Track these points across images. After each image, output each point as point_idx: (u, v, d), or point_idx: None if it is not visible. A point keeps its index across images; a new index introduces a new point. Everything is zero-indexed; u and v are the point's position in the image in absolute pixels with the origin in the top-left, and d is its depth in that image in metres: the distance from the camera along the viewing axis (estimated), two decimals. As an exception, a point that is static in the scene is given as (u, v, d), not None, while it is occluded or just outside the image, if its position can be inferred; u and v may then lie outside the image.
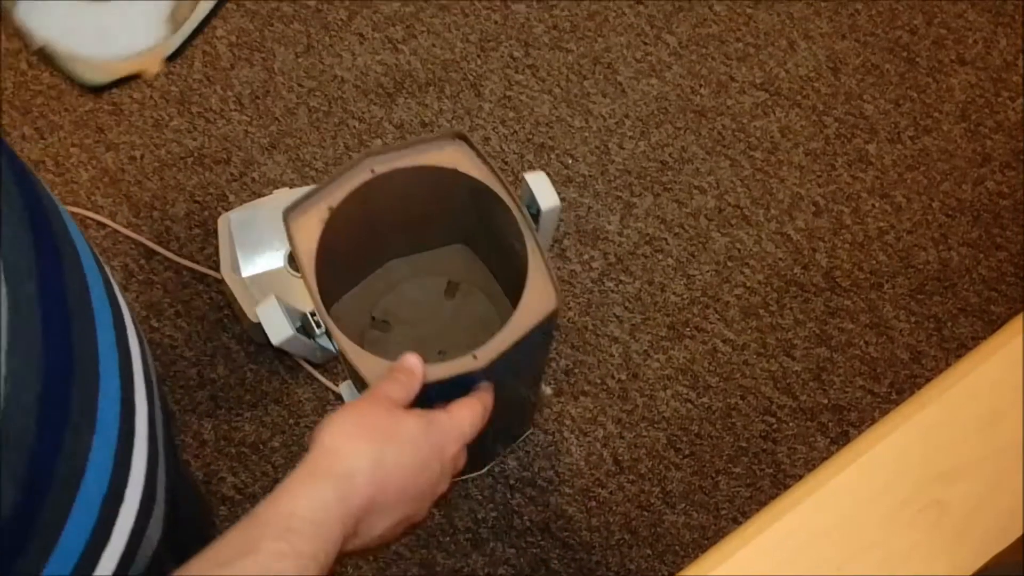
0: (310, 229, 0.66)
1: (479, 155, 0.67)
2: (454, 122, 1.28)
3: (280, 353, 1.12)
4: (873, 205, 1.25)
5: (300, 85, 1.30)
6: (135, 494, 0.42)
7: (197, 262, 1.18)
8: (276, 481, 0.58)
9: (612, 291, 1.18)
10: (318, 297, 0.64)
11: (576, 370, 1.14)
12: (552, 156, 1.27)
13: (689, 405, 1.12)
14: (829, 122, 1.31)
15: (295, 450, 1.08)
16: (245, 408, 1.10)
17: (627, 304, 1.18)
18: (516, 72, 1.33)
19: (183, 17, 0.46)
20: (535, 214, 0.72)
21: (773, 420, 1.12)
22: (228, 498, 1.06)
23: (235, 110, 1.29)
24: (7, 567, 0.33)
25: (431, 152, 0.68)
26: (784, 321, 1.17)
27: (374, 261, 0.85)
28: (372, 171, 0.67)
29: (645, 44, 1.35)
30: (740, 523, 0.50)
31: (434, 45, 1.34)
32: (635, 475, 1.08)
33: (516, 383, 0.79)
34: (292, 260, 1.06)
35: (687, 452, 1.10)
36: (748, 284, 1.19)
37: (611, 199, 1.24)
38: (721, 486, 1.08)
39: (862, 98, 1.33)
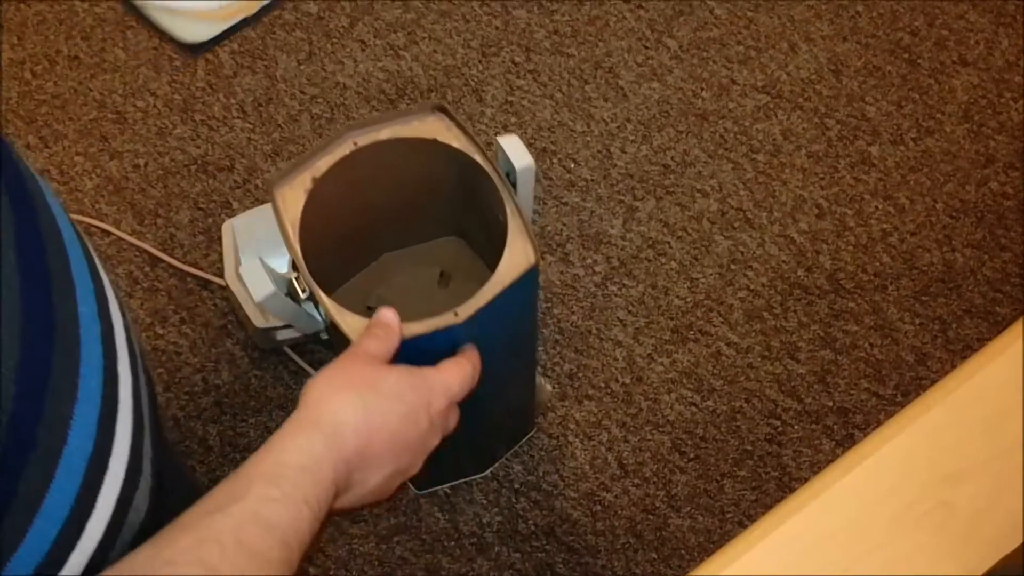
0: (294, 199, 0.69)
1: (458, 126, 0.69)
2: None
3: (284, 358, 1.12)
4: (876, 207, 1.25)
5: (302, 92, 1.30)
6: (120, 463, 0.43)
7: (201, 269, 1.18)
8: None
9: (615, 295, 1.18)
10: (302, 262, 0.66)
11: (580, 374, 1.14)
12: (554, 160, 1.27)
13: (693, 408, 1.12)
14: (831, 124, 1.31)
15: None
16: (250, 414, 1.10)
17: (630, 308, 1.18)
18: (517, 77, 1.33)
19: None
20: (512, 179, 0.74)
21: (778, 423, 1.12)
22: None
23: (238, 118, 1.29)
24: None
25: (412, 124, 0.70)
26: (788, 324, 1.17)
27: (368, 254, 0.86)
28: (355, 143, 0.69)
29: (646, 48, 1.36)
30: (746, 526, 0.50)
31: (435, 51, 1.34)
32: (640, 479, 1.08)
33: (506, 355, 0.79)
34: (291, 289, 1.06)
35: (692, 455, 1.10)
36: (752, 287, 1.19)
37: (613, 203, 1.24)
38: (726, 489, 1.08)
39: (864, 100, 1.33)
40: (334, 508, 0.47)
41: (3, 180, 0.38)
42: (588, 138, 1.29)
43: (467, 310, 0.64)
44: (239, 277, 1.09)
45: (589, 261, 1.20)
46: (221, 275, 1.12)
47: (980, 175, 1.28)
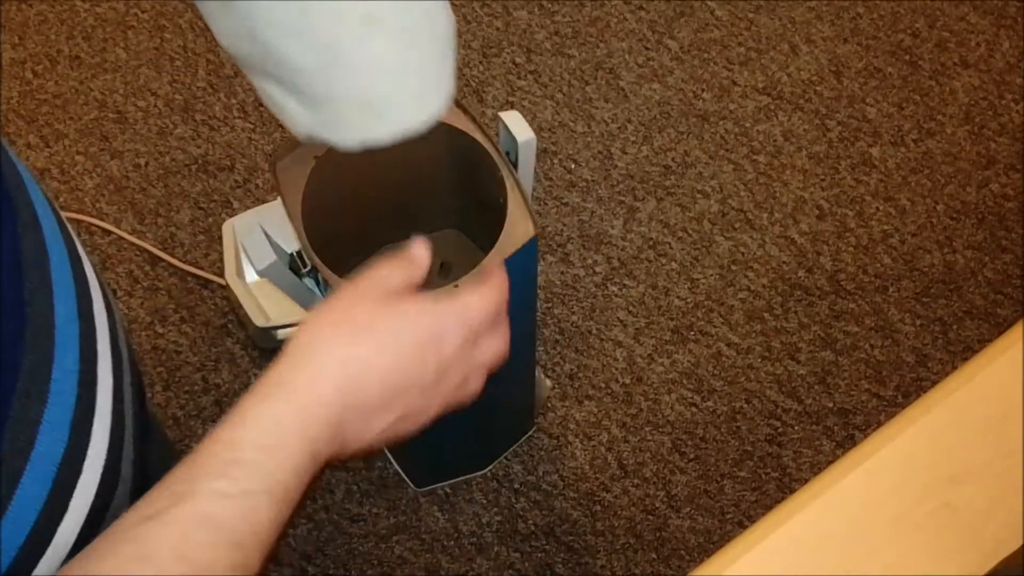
0: (296, 177, 0.68)
1: (458, 105, 0.70)
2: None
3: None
4: (877, 208, 1.25)
5: (303, 91, 1.30)
6: (95, 467, 0.41)
7: (202, 268, 1.18)
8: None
9: (616, 295, 1.18)
10: (305, 238, 0.66)
11: (580, 374, 1.14)
12: (555, 161, 1.27)
13: (694, 409, 1.12)
14: (832, 126, 1.31)
15: (300, 456, 1.08)
16: (250, 414, 1.10)
17: (631, 308, 1.18)
18: (518, 78, 1.33)
19: None
20: (514, 156, 0.74)
21: (778, 424, 1.12)
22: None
23: (239, 117, 1.29)
24: None
25: None
26: (789, 325, 1.17)
27: (369, 247, 0.87)
28: None
29: (647, 49, 1.36)
30: (746, 527, 0.50)
31: (437, 51, 1.34)
32: (640, 479, 1.08)
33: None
34: (293, 263, 1.07)
35: (692, 456, 1.10)
36: (752, 288, 1.19)
37: (614, 204, 1.24)
38: (726, 490, 1.08)
39: (865, 101, 1.33)
40: (336, 458, 0.42)
41: None
42: (589, 139, 1.29)
43: (468, 282, 0.64)
44: (240, 276, 1.09)
45: (590, 261, 1.20)
46: (221, 274, 1.12)
47: (981, 177, 1.28)
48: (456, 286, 0.64)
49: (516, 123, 0.75)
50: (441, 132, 0.72)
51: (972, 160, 1.29)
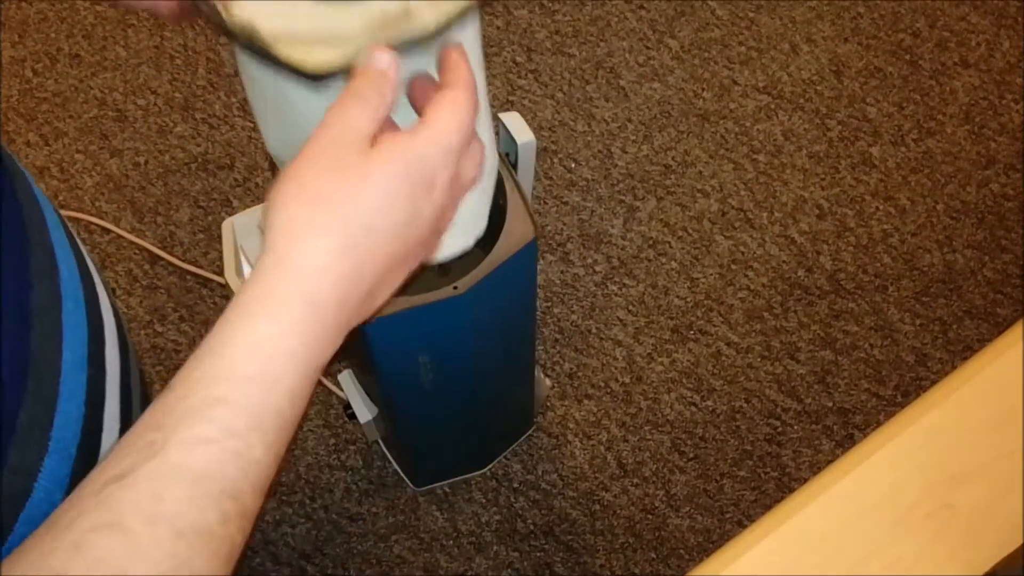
0: None
1: None
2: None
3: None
4: (877, 208, 1.25)
5: (303, 90, 1.30)
6: None
7: (201, 267, 1.18)
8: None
9: (615, 294, 1.18)
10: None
11: (580, 373, 1.13)
12: (555, 160, 1.27)
13: (693, 408, 1.12)
14: (832, 125, 1.31)
15: (298, 454, 1.08)
16: (249, 413, 1.10)
17: (630, 307, 1.18)
18: (519, 77, 1.33)
19: None
20: (513, 158, 0.75)
21: (778, 423, 1.12)
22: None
23: (239, 116, 1.29)
24: None
25: None
26: (788, 324, 1.17)
27: None
28: None
29: (647, 48, 1.36)
30: (745, 526, 0.50)
31: (437, 50, 1.34)
32: (639, 478, 1.08)
33: (506, 333, 0.79)
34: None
35: (691, 455, 1.10)
36: (752, 287, 1.19)
37: (614, 203, 1.24)
38: (726, 489, 1.08)
39: (865, 101, 1.33)
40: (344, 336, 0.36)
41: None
42: (589, 138, 1.29)
43: (467, 283, 0.64)
44: (239, 275, 1.09)
45: (589, 260, 1.20)
46: (221, 273, 1.12)
47: (981, 176, 1.28)
48: (455, 287, 0.64)
49: (516, 125, 0.75)
50: None
51: (972, 160, 1.29)
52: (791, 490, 0.52)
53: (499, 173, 0.70)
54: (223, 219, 1.16)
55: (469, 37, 0.44)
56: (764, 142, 1.29)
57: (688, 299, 1.18)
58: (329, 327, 0.34)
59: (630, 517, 1.06)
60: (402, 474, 1.07)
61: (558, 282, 1.19)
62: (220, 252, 1.14)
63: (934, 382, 0.54)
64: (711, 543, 1.06)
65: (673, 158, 1.27)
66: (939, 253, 1.22)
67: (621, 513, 1.06)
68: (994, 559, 0.48)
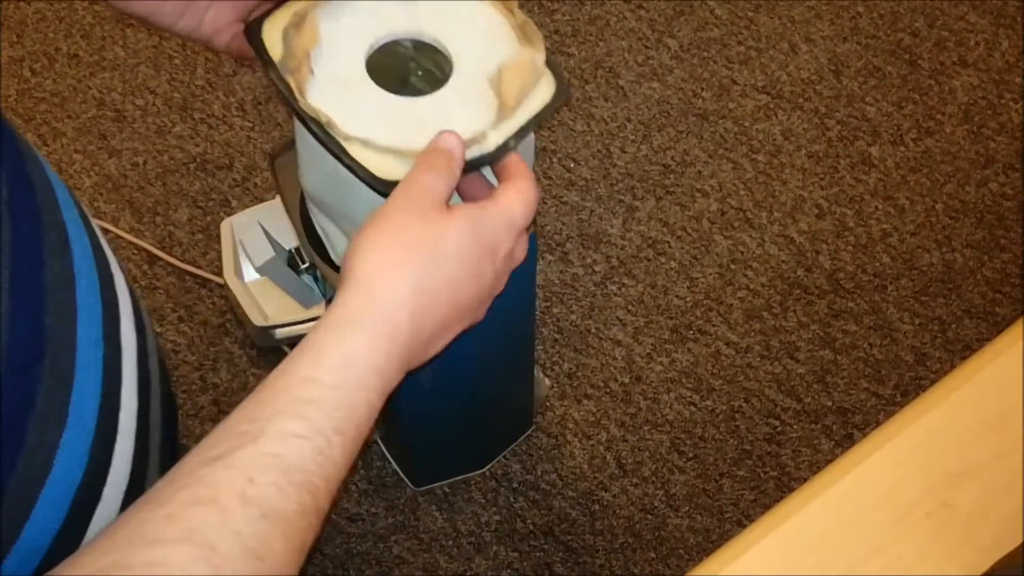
0: (295, 173, 0.68)
1: None
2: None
3: (283, 357, 1.12)
4: (876, 207, 1.25)
5: (302, 90, 1.30)
6: (115, 492, 0.40)
7: (200, 267, 1.18)
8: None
9: (615, 294, 1.18)
10: (303, 235, 0.64)
11: (579, 373, 1.13)
12: (554, 160, 1.27)
13: (692, 408, 1.12)
14: (831, 125, 1.31)
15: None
16: (248, 413, 1.10)
17: (630, 307, 1.18)
18: (518, 76, 1.33)
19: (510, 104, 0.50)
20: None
21: (777, 423, 1.12)
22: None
23: (237, 116, 1.29)
24: None
25: None
26: (787, 324, 1.17)
27: None
28: None
29: (646, 48, 1.36)
30: (745, 526, 0.50)
31: (436, 50, 1.34)
32: (639, 478, 1.08)
33: (505, 327, 0.79)
34: (292, 260, 1.06)
35: (691, 455, 1.10)
36: (751, 287, 1.19)
37: (613, 203, 1.24)
38: (725, 489, 1.08)
39: (864, 100, 1.33)
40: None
41: (8, 190, 0.35)
42: (588, 137, 1.28)
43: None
44: (238, 275, 1.09)
45: (589, 260, 1.20)
46: (220, 273, 1.12)
47: (980, 176, 1.28)
48: None
49: None
50: None
51: (971, 159, 1.29)
52: (790, 490, 0.52)
53: None
54: (222, 219, 1.15)
55: (527, 144, 0.52)
56: (763, 142, 1.29)
57: (687, 299, 1.18)
58: (403, 355, 0.38)
59: (629, 517, 1.06)
60: (401, 474, 1.07)
61: (557, 282, 1.19)
62: (219, 252, 1.14)
63: (933, 381, 0.54)
64: (711, 543, 1.06)
65: (672, 158, 1.27)
66: (938, 252, 1.22)
67: (620, 513, 1.06)
68: (993, 559, 0.48)
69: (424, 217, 0.41)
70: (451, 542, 1.05)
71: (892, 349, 1.16)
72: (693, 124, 1.30)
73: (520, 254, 0.46)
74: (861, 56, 1.36)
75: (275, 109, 1.29)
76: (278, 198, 1.15)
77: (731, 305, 1.18)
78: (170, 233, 1.21)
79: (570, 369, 1.14)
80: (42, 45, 1.34)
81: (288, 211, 0.67)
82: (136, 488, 0.42)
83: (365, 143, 0.47)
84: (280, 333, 1.07)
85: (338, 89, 0.49)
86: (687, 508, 1.07)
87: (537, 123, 0.49)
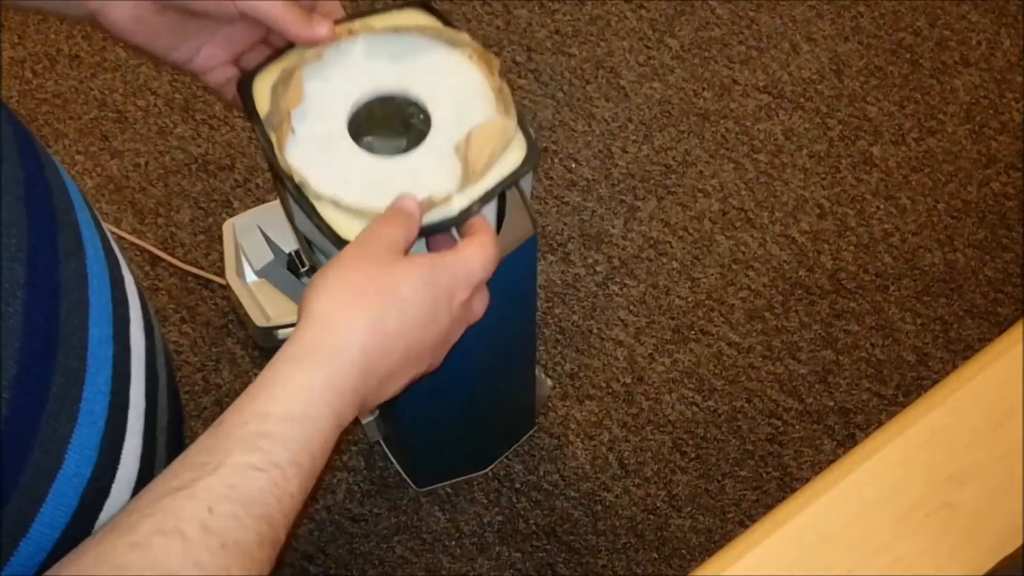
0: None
1: None
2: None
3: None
4: (878, 207, 1.25)
5: (304, 91, 1.30)
6: (124, 489, 0.41)
7: (202, 268, 1.18)
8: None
9: (616, 295, 1.18)
10: (303, 239, 0.65)
11: (581, 373, 1.14)
12: (555, 160, 1.27)
13: (695, 408, 1.12)
14: (833, 124, 1.31)
15: (300, 456, 1.08)
16: (250, 414, 1.10)
17: (631, 307, 1.18)
18: (519, 77, 1.33)
19: (475, 170, 0.52)
20: None
21: (779, 423, 1.12)
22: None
23: (239, 117, 1.29)
24: None
25: None
26: (789, 324, 1.17)
27: None
28: None
29: (647, 48, 1.36)
30: (747, 526, 0.50)
31: (437, 50, 1.34)
32: (641, 479, 1.08)
33: (506, 331, 0.79)
34: (292, 263, 1.06)
35: (693, 455, 1.10)
36: (753, 287, 1.19)
37: (615, 203, 1.24)
38: (727, 489, 1.08)
39: (866, 100, 1.33)
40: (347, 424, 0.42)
41: (25, 191, 0.36)
42: (589, 138, 1.29)
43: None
44: (240, 276, 1.09)
45: (590, 261, 1.20)
46: (222, 274, 1.12)
47: (982, 175, 1.28)
48: None
49: None
50: None
51: (973, 159, 1.29)
52: (793, 490, 0.52)
53: None
54: (224, 220, 1.16)
55: (488, 209, 0.54)
56: (765, 141, 1.29)
57: (689, 299, 1.18)
58: (356, 392, 0.40)
59: (632, 517, 1.06)
60: (404, 475, 1.07)
61: (559, 282, 1.19)
62: (221, 253, 1.14)
63: (935, 381, 0.54)
64: (713, 543, 1.06)
65: (674, 158, 1.27)
66: (940, 252, 1.22)
67: (623, 513, 1.06)
68: (995, 559, 0.48)
69: (380, 263, 0.43)
70: (454, 542, 1.05)
71: (894, 349, 1.16)
72: (694, 124, 1.30)
73: (479, 308, 0.48)
74: (862, 56, 1.36)
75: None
76: (278, 200, 1.15)
77: (733, 305, 1.18)
78: (172, 234, 1.21)
79: (572, 369, 1.14)
80: (43, 46, 1.35)
81: (288, 216, 0.67)
82: (143, 488, 0.42)
83: (334, 202, 0.50)
84: (282, 333, 1.08)
85: (316, 147, 0.52)
86: (689, 508, 1.07)
87: (503, 188, 0.52)
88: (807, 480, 0.51)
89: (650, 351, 1.15)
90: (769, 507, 0.54)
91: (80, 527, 0.38)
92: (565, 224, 1.23)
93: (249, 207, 1.20)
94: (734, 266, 1.20)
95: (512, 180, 0.52)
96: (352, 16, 0.56)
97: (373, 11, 0.56)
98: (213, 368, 1.13)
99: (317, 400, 0.38)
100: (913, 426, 0.51)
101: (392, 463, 1.08)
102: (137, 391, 0.42)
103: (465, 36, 0.56)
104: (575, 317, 1.17)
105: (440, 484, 1.07)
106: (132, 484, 0.42)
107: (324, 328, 0.40)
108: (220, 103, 1.30)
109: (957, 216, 1.25)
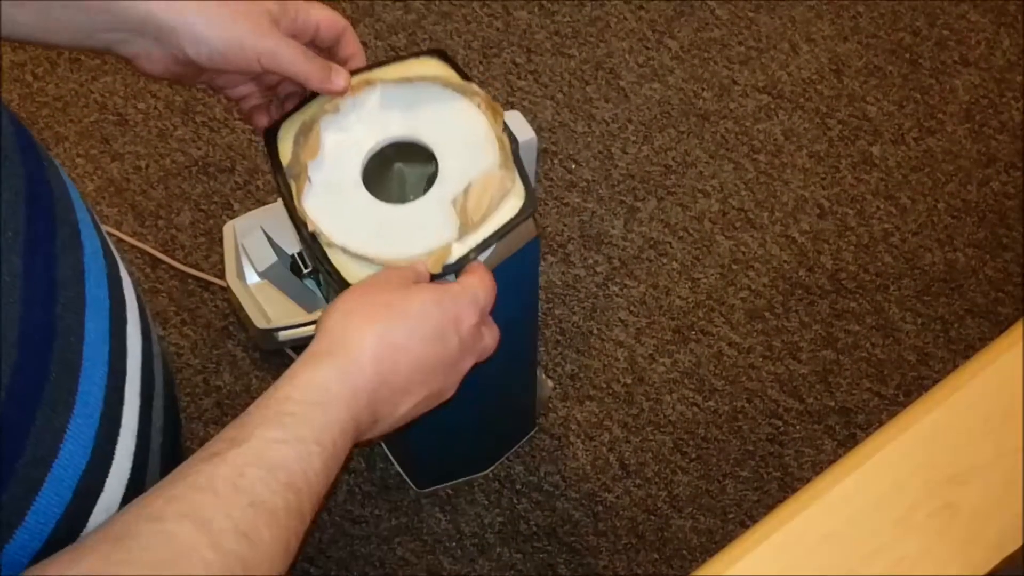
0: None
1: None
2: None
3: (286, 360, 1.12)
4: (878, 207, 1.25)
5: (303, 93, 1.31)
6: (119, 482, 0.41)
7: (202, 270, 1.18)
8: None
9: (617, 295, 1.18)
10: (308, 239, 0.66)
11: (581, 374, 1.14)
12: (555, 161, 1.27)
13: (695, 409, 1.12)
14: (832, 124, 1.31)
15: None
16: (251, 416, 1.10)
17: (632, 308, 1.18)
18: (518, 78, 1.33)
19: (471, 219, 0.56)
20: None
21: (780, 423, 1.12)
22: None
23: (239, 119, 1.29)
24: None
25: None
26: (790, 324, 1.17)
27: None
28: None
29: (647, 49, 1.36)
30: (748, 527, 0.50)
31: (437, 52, 1.34)
32: (641, 479, 1.08)
33: (508, 333, 0.79)
34: (295, 265, 1.07)
35: (694, 456, 1.10)
36: (753, 287, 1.19)
37: (615, 203, 1.24)
38: (728, 490, 1.08)
39: (865, 100, 1.33)
40: (366, 439, 0.45)
41: (26, 185, 0.37)
42: (589, 139, 1.29)
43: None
44: (240, 278, 1.09)
45: (590, 262, 1.20)
46: (222, 276, 1.12)
47: (982, 175, 1.28)
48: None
49: (517, 123, 0.75)
50: None
51: (973, 158, 1.29)
52: (793, 490, 0.52)
53: None
54: (224, 222, 1.16)
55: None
56: (764, 142, 1.29)
57: (689, 299, 1.18)
58: (370, 397, 0.43)
59: (633, 518, 1.06)
60: (404, 476, 1.07)
61: (559, 283, 1.19)
62: (221, 255, 1.14)
63: (936, 381, 0.54)
64: (714, 544, 1.06)
65: (673, 158, 1.27)
66: (940, 252, 1.22)
67: (624, 514, 1.06)
68: (996, 559, 0.48)
69: (392, 290, 0.48)
70: (455, 544, 1.05)
71: (894, 349, 1.16)
72: (694, 124, 1.30)
73: (490, 341, 0.52)
74: (862, 55, 1.36)
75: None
76: (280, 201, 1.15)
77: (733, 305, 1.18)
78: (172, 236, 1.21)
79: (572, 370, 1.14)
80: (44, 49, 1.35)
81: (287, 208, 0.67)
82: (136, 487, 0.43)
83: (344, 249, 0.55)
84: (283, 335, 1.08)
85: (331, 195, 0.58)
86: (690, 509, 1.07)
87: (499, 237, 0.56)
88: (808, 480, 0.51)
89: (650, 352, 1.15)
90: (770, 507, 0.54)
91: (74, 520, 0.38)
92: (565, 225, 1.23)
93: (249, 209, 1.20)
94: (734, 266, 1.20)
95: (508, 229, 0.57)
96: (372, 65, 0.61)
97: (394, 58, 0.62)
98: (214, 370, 1.13)
99: (334, 391, 0.41)
100: (914, 426, 0.51)
101: (393, 464, 1.08)
102: (132, 389, 0.43)
103: (474, 86, 0.61)
104: (575, 318, 1.17)
105: (441, 485, 1.07)
106: (125, 482, 0.42)
107: (337, 339, 0.44)
108: (220, 105, 1.30)
109: (957, 215, 1.25)
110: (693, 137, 1.29)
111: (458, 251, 0.55)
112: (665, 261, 1.21)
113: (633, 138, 1.29)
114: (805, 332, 1.17)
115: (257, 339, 1.11)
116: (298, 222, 0.56)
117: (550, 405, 1.12)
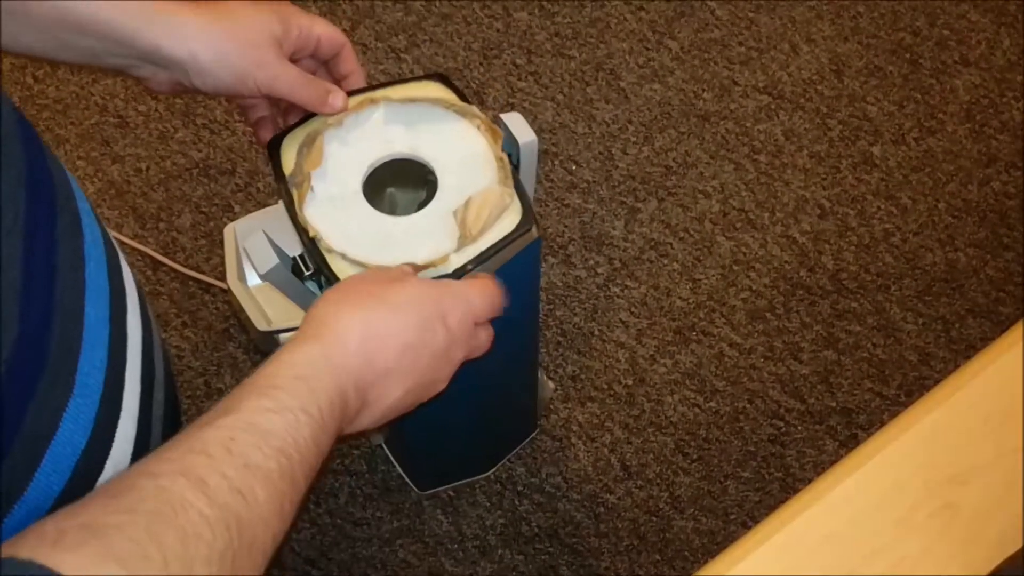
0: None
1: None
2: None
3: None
4: (878, 207, 1.25)
5: (304, 95, 1.31)
6: (118, 466, 0.42)
7: (203, 272, 1.18)
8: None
9: (618, 296, 1.18)
10: (309, 244, 0.66)
11: (583, 376, 1.13)
12: (556, 162, 1.27)
13: (696, 409, 1.12)
14: (833, 124, 1.31)
15: (303, 459, 1.08)
16: (252, 418, 1.10)
17: (633, 309, 1.18)
18: (519, 79, 1.33)
19: (470, 231, 0.58)
20: (515, 158, 0.75)
21: (781, 424, 1.11)
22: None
23: (240, 121, 1.29)
24: None
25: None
26: (791, 324, 1.17)
27: None
28: None
29: (647, 50, 1.36)
30: (749, 527, 0.50)
31: (436, 54, 1.34)
32: (643, 480, 1.08)
33: (509, 333, 0.79)
34: (296, 267, 1.07)
35: (695, 457, 1.10)
36: (754, 288, 1.19)
37: (615, 204, 1.24)
38: (730, 490, 1.08)
39: (866, 100, 1.33)
40: (361, 427, 0.46)
41: (26, 171, 0.38)
42: (590, 140, 1.29)
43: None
44: (241, 280, 1.09)
45: (591, 263, 1.20)
46: (223, 279, 1.12)
47: (982, 175, 1.27)
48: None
49: (517, 124, 0.75)
50: None
51: (973, 158, 1.28)
52: (795, 491, 0.52)
53: None
54: (225, 224, 1.16)
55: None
56: (765, 142, 1.29)
57: (690, 300, 1.18)
58: (355, 379, 0.44)
59: (634, 519, 1.06)
60: (406, 478, 1.07)
61: (560, 284, 1.19)
62: (222, 257, 1.14)
63: (937, 381, 0.54)
64: (716, 544, 1.06)
65: (674, 159, 1.27)
66: (941, 252, 1.22)
67: (625, 515, 1.06)
68: (997, 559, 0.48)
69: (380, 282, 0.49)
70: (456, 545, 1.05)
71: (896, 349, 1.16)
72: (694, 125, 1.30)
73: (484, 340, 0.53)
74: (862, 56, 1.36)
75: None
76: (280, 203, 1.15)
77: (734, 306, 1.18)
78: (173, 239, 1.21)
79: (574, 372, 1.14)
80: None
81: (288, 210, 0.67)
82: None
83: (343, 255, 0.57)
84: (284, 337, 1.07)
85: (332, 204, 0.60)
86: (692, 510, 1.07)
87: (496, 250, 0.57)
88: (809, 481, 0.51)
89: (651, 352, 1.15)
90: (771, 508, 0.54)
91: (73, 498, 0.39)
92: (566, 226, 1.23)
93: (250, 211, 1.20)
94: (735, 267, 1.20)
95: (505, 243, 0.58)
96: (375, 86, 0.64)
97: (397, 80, 0.65)
98: (215, 372, 1.13)
99: (318, 365, 0.42)
100: (915, 426, 0.51)
101: (394, 466, 1.08)
102: (133, 375, 0.45)
103: (475, 109, 0.63)
104: (576, 319, 1.17)
105: (442, 487, 1.07)
106: (127, 463, 0.43)
107: (322, 323, 0.45)
108: (220, 108, 1.30)
109: (958, 215, 1.24)
110: (693, 138, 1.29)
111: (456, 261, 0.57)
112: (666, 262, 1.21)
113: (633, 139, 1.29)
114: (806, 332, 1.17)
115: (258, 341, 1.11)
116: (300, 228, 0.58)
117: (551, 406, 1.12)
